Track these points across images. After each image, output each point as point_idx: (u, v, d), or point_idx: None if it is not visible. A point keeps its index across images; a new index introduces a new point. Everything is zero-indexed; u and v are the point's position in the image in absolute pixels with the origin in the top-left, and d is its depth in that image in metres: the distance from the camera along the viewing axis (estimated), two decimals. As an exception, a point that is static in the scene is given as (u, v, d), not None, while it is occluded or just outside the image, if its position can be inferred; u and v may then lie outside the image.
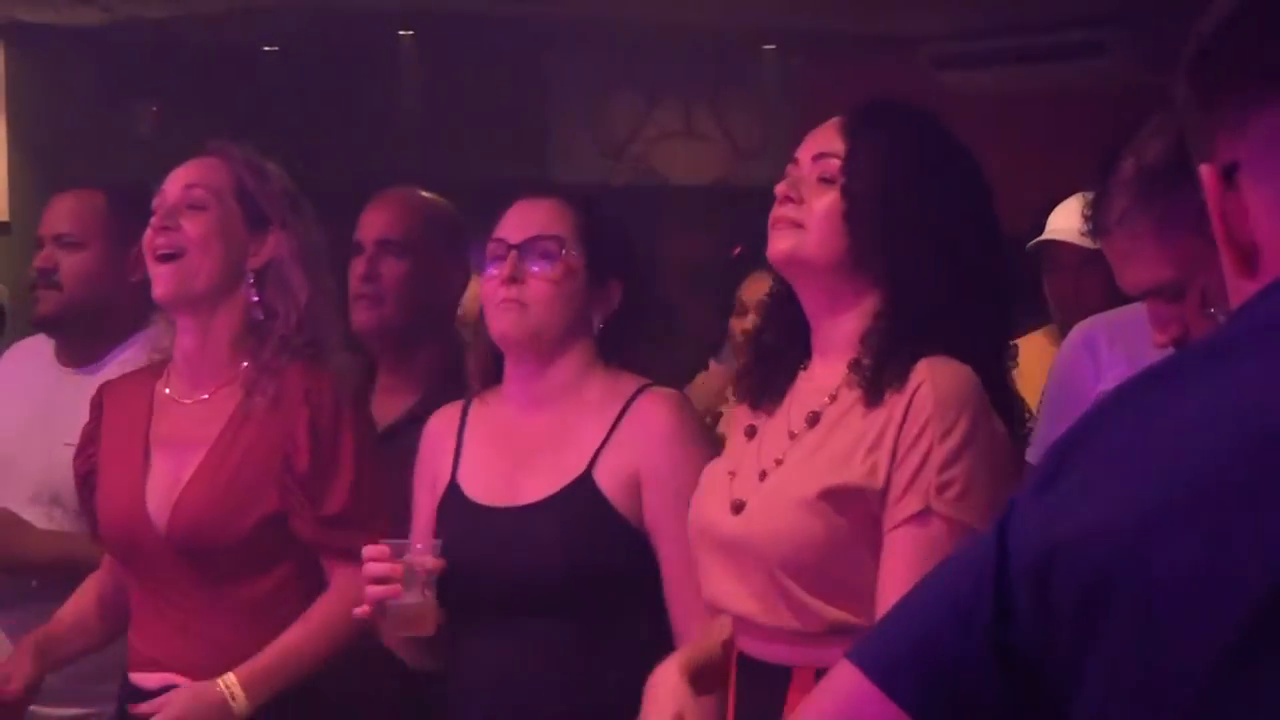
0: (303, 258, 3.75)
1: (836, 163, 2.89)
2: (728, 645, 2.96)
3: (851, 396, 2.87)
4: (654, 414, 3.44)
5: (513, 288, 3.42)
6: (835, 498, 2.79)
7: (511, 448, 3.50)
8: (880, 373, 2.84)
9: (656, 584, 3.39)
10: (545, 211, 3.53)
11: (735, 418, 3.13)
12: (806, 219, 2.88)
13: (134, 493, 3.72)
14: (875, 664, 1.48)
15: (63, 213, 4.53)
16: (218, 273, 3.69)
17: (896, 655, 1.48)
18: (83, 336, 4.49)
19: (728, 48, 9.93)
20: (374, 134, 9.19)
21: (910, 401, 2.78)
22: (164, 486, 3.71)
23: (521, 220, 3.52)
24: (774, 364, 3.03)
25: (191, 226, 3.67)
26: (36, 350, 4.63)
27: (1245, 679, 1.30)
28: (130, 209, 4.20)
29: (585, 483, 3.41)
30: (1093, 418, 1.45)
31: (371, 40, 9.39)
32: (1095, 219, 2.84)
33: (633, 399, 3.45)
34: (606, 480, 3.41)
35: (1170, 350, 2.74)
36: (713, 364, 5.79)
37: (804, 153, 2.94)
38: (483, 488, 3.50)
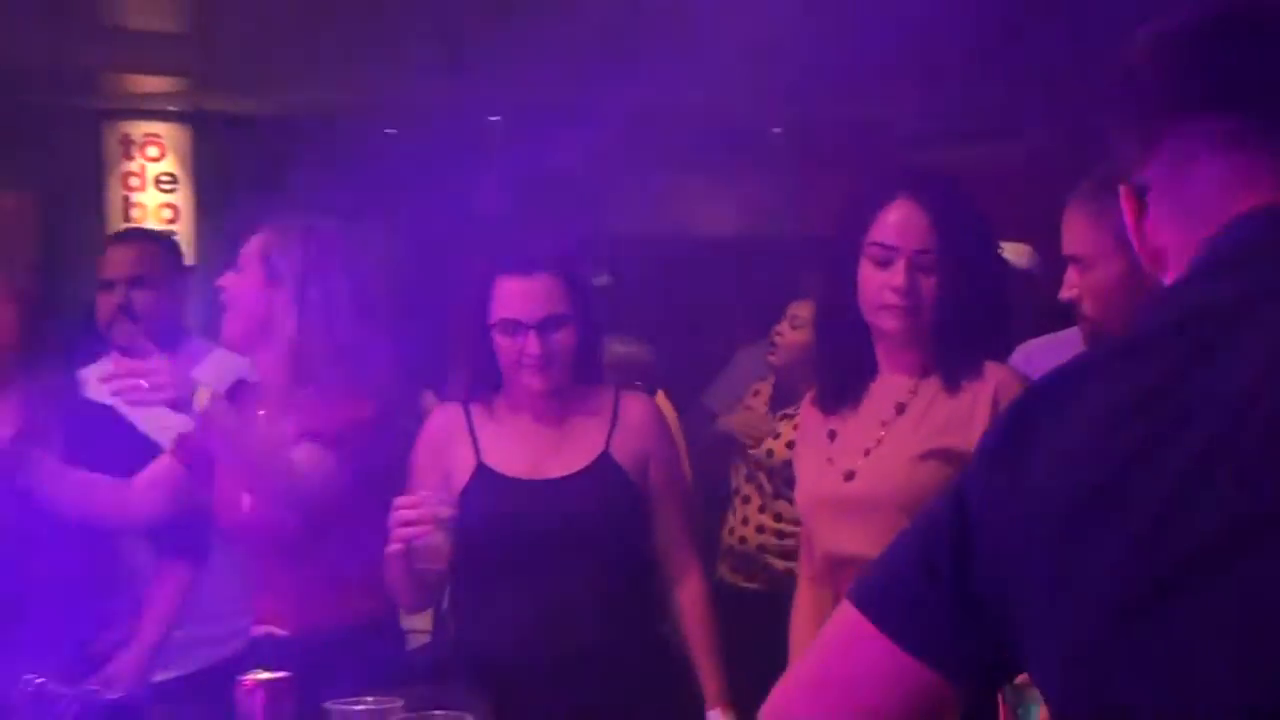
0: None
1: (934, 256, 2.88)
2: None
3: (931, 388, 2.90)
4: (645, 408, 3.44)
5: (538, 360, 3.33)
6: (938, 456, 2.82)
7: (531, 438, 3.42)
8: (958, 370, 2.87)
9: (646, 534, 3.39)
10: (549, 289, 3.36)
11: (806, 423, 3.10)
12: (917, 303, 2.88)
13: (232, 494, 3.57)
14: (875, 608, 1.43)
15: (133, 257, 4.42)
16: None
17: (882, 594, 1.44)
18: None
19: (746, 131, 10.00)
20: (471, 196, 9.17)
21: (996, 389, 2.83)
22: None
23: (530, 300, 3.35)
24: (849, 379, 3.00)
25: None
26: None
27: (1146, 622, 1.27)
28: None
29: (606, 459, 3.37)
30: (1031, 403, 1.42)
31: (467, 123, 9.44)
32: (1075, 189, 2.92)
33: (618, 398, 3.43)
34: (621, 456, 3.38)
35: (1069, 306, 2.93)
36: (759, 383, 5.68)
37: (905, 243, 2.90)
38: (512, 467, 3.40)
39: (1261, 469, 1.25)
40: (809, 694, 1.47)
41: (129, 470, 3.59)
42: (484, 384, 3.45)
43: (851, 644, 1.44)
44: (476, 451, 3.42)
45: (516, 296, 3.34)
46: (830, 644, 1.48)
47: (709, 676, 3.29)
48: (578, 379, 3.41)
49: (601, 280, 4.53)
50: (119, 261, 4.36)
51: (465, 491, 3.40)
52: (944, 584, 1.39)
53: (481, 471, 3.42)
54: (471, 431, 3.44)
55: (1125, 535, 1.28)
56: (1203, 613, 1.24)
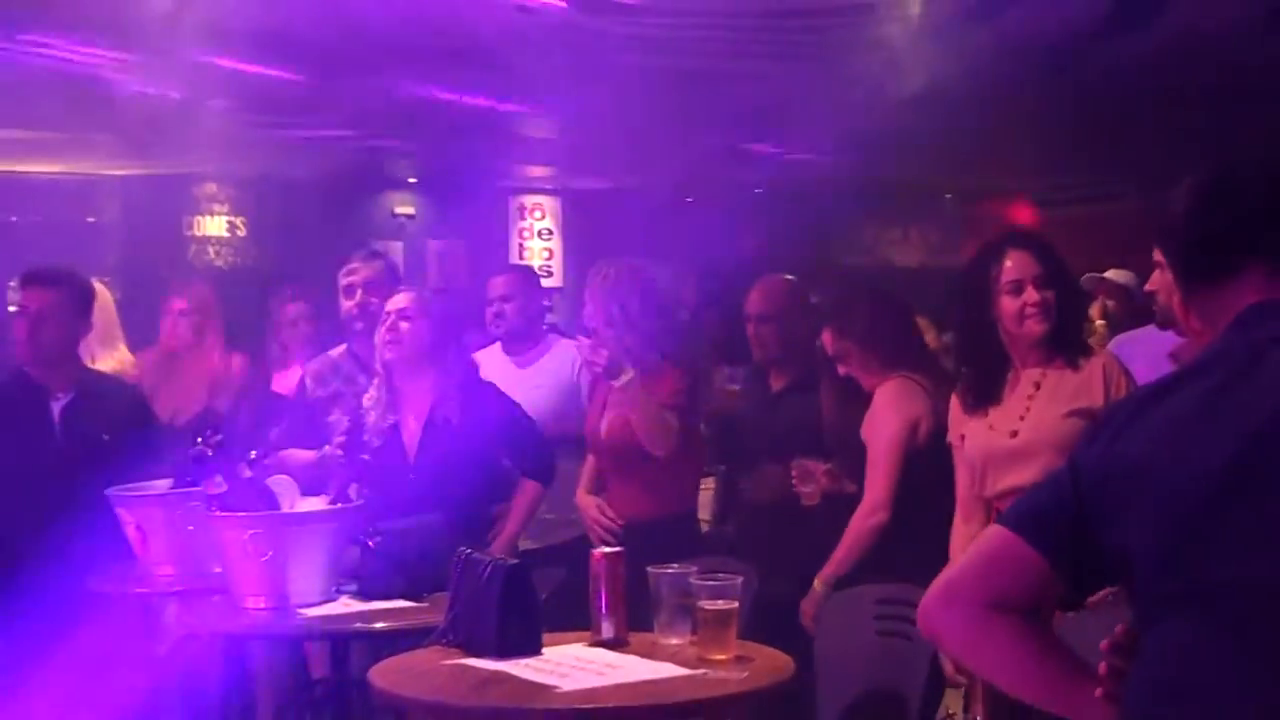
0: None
1: (1045, 278, 2.80)
2: None
3: (1057, 369, 2.81)
4: (878, 394, 3.35)
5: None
6: (1076, 413, 2.72)
7: None
8: (1077, 354, 2.81)
9: None
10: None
11: (957, 410, 2.93)
12: (1047, 310, 2.79)
13: (596, 425, 3.65)
14: (1015, 522, 1.45)
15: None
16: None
17: (1027, 518, 1.45)
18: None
19: (925, 195, 9.79)
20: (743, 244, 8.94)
21: (1105, 365, 2.80)
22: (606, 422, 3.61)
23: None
24: (993, 379, 2.87)
25: None
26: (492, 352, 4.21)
27: (1225, 508, 1.31)
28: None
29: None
30: (1122, 402, 1.48)
31: (741, 193, 9.32)
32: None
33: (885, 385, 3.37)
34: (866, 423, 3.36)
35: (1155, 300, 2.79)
36: None
37: (1026, 274, 2.81)
38: None
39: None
40: (960, 581, 1.46)
41: (498, 424, 3.52)
42: None
43: (997, 547, 1.45)
44: None
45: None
46: (980, 549, 1.48)
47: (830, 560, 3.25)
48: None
49: (814, 298, 4.29)
50: (499, 284, 4.28)
51: None
52: (1064, 511, 1.41)
53: None
54: None
55: (1203, 468, 1.33)
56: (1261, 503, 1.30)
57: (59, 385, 3.44)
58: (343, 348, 3.97)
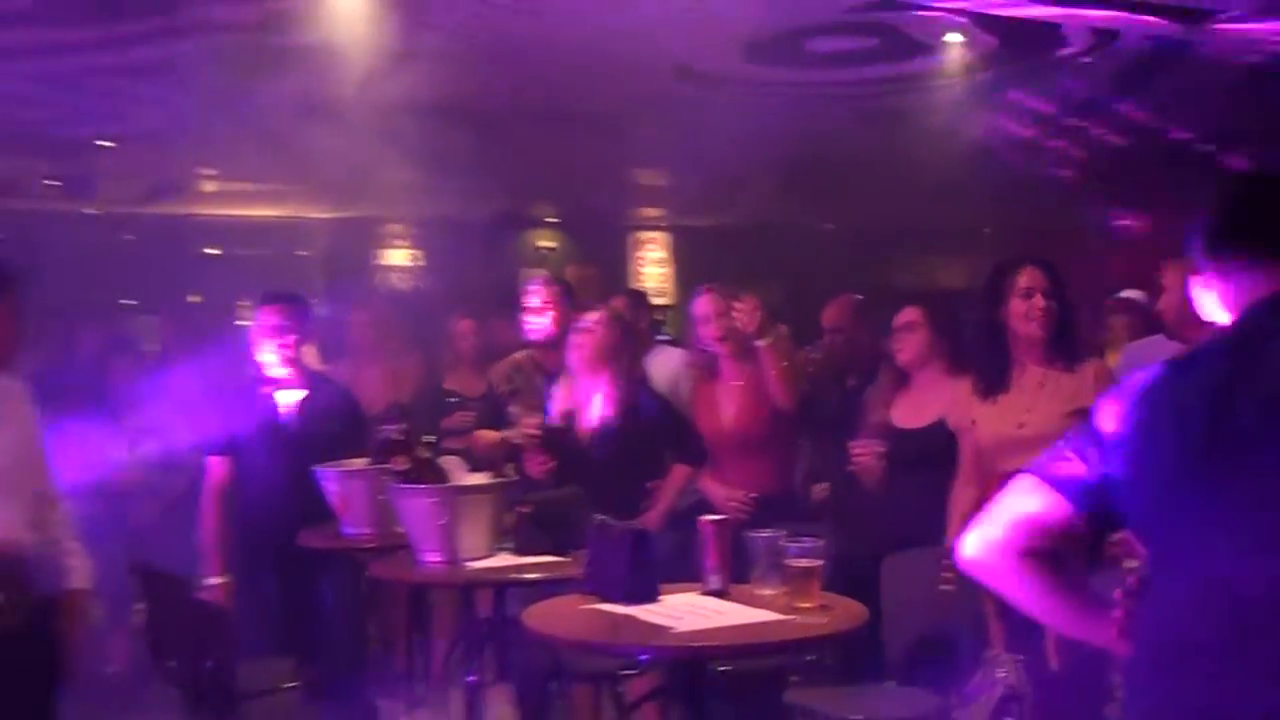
0: None
1: (1052, 289, 2.78)
2: None
3: (1056, 371, 2.77)
4: (957, 386, 3.05)
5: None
6: (1075, 414, 2.50)
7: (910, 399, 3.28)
8: (1071, 360, 2.77)
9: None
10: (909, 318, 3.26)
11: (970, 399, 2.85)
12: (1050, 315, 2.76)
13: (716, 421, 3.59)
14: (1043, 471, 1.41)
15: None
16: None
17: (1054, 468, 1.41)
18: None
19: (968, 229, 9.53)
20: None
21: (1095, 371, 2.75)
22: (731, 416, 3.57)
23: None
24: (1002, 372, 2.81)
25: None
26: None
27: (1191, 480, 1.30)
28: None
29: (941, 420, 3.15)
30: (1143, 375, 1.40)
31: (807, 230, 9.22)
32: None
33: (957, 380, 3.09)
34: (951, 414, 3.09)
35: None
36: None
37: (1034, 284, 2.77)
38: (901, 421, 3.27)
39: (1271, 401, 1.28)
40: (994, 524, 1.42)
41: (655, 420, 3.50)
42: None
43: (1025, 495, 1.41)
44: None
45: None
46: (1008, 499, 1.43)
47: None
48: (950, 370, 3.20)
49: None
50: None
51: None
52: (1090, 465, 1.38)
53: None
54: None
55: (1193, 450, 1.29)
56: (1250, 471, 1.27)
57: (291, 385, 3.54)
58: (526, 352, 4.02)
